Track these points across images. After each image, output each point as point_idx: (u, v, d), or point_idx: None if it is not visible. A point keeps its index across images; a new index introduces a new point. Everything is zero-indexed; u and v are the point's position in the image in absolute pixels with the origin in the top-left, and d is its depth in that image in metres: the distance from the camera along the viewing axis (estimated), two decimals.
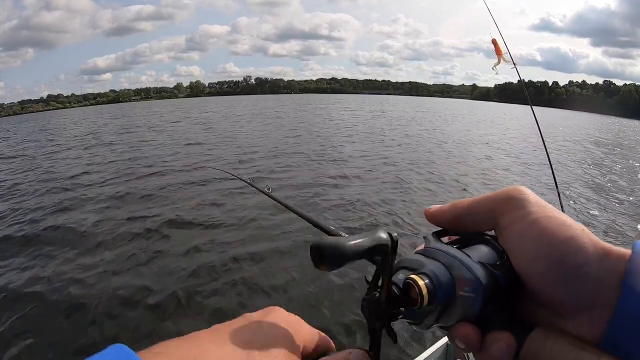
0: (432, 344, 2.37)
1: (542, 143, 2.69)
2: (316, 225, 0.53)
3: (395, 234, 0.33)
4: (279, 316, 0.34)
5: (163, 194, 8.26)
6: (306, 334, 0.35)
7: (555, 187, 2.62)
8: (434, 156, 13.45)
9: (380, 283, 0.34)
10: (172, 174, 10.09)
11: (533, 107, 2.68)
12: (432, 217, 0.39)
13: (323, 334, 0.37)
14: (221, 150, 14.37)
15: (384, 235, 0.32)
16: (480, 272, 0.31)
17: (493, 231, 0.35)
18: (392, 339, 0.34)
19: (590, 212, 8.13)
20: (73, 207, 7.67)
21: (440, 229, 0.38)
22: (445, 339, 2.34)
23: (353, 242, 0.31)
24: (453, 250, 0.34)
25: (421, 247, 0.36)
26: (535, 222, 0.31)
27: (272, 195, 0.82)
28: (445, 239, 0.37)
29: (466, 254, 0.33)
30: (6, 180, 10.82)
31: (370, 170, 10.53)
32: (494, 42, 2.44)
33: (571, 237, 0.30)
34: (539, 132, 2.74)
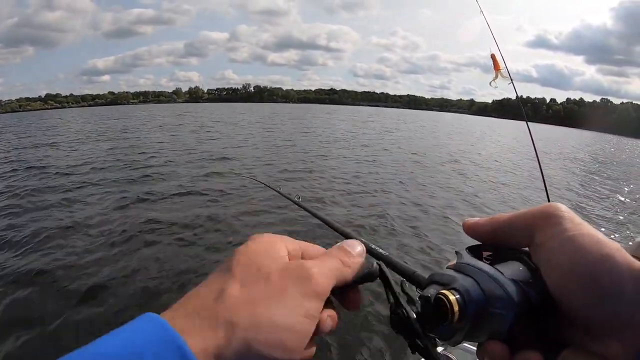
0: None
1: (536, 158, 2.75)
2: (347, 236, 0.52)
3: (381, 264, 0.38)
4: (257, 238, 0.37)
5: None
6: (288, 243, 0.38)
7: (547, 201, 2.67)
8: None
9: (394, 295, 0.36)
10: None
11: (529, 122, 2.74)
12: (469, 229, 0.39)
13: (312, 244, 0.40)
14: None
15: (373, 265, 0.36)
16: (512, 289, 0.31)
17: (527, 248, 0.35)
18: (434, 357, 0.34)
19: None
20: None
21: (473, 244, 0.38)
22: (439, 350, 2.33)
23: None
24: (485, 266, 0.33)
25: (453, 262, 0.36)
26: (570, 239, 0.31)
27: (303, 205, 0.82)
28: (478, 255, 0.37)
29: (499, 270, 0.33)
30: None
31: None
32: (492, 57, 2.50)
33: (606, 256, 0.29)
34: (534, 148, 2.80)
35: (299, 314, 0.31)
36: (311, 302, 0.32)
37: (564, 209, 0.34)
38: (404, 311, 0.34)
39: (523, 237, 0.35)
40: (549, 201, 2.40)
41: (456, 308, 0.31)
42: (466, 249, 0.37)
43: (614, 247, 0.30)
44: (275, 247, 0.36)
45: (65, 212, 7.31)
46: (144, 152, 14.81)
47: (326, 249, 0.39)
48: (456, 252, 0.37)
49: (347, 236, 0.51)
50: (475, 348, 0.34)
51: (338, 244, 0.39)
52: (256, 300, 0.30)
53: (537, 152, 2.75)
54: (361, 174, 11.52)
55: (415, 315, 0.34)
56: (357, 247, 0.39)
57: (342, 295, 0.38)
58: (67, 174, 10.78)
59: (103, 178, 10.14)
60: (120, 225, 6.41)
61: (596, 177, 16.37)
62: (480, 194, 10.06)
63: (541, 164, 2.73)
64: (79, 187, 9.24)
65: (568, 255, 0.31)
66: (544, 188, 2.73)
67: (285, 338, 0.29)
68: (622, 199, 12.04)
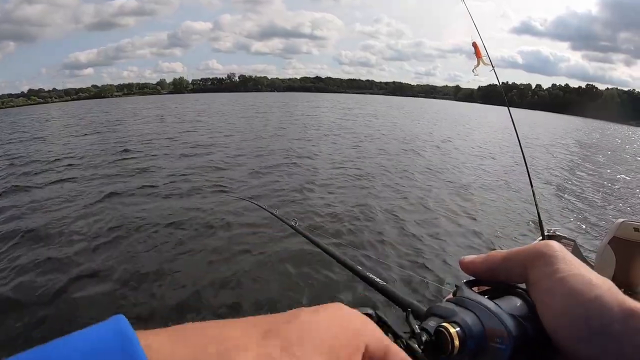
0: None
1: (518, 143, 2.83)
2: (349, 268, 0.49)
3: (377, 312, 0.32)
4: (338, 312, 0.28)
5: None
6: (372, 335, 0.28)
7: (530, 185, 2.76)
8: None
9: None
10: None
11: (513, 108, 2.81)
12: (466, 267, 0.40)
13: (399, 350, 0.30)
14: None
15: (369, 311, 0.32)
16: (511, 323, 0.32)
17: (524, 284, 0.36)
18: None
19: (564, 208, 8.50)
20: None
21: (471, 279, 0.39)
22: None
23: None
24: (485, 300, 0.34)
25: (450, 296, 0.37)
26: (562, 280, 0.32)
27: (301, 231, 0.76)
28: (476, 289, 0.37)
29: (498, 305, 0.33)
30: None
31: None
32: (474, 45, 2.54)
33: (597, 297, 0.30)
34: (516, 133, 2.88)
35: None
36: None
37: (557, 248, 0.35)
38: (405, 342, 0.32)
39: (518, 275, 0.36)
40: (531, 184, 2.50)
41: (457, 341, 0.31)
42: (465, 282, 0.38)
43: (605, 287, 0.31)
44: (350, 337, 0.26)
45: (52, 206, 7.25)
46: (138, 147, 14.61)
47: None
48: (456, 286, 0.37)
49: (344, 265, 0.48)
50: None
51: None
52: None
53: (519, 137, 2.83)
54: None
55: (418, 347, 0.33)
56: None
57: None
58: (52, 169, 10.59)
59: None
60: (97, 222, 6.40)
61: (580, 161, 16.78)
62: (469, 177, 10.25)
63: (523, 149, 2.82)
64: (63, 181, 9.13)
65: (561, 295, 0.32)
66: (526, 172, 2.82)
67: None
68: (603, 182, 12.38)
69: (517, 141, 2.87)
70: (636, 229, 2.94)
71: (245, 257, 5.03)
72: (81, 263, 4.95)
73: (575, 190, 10.57)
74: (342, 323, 0.27)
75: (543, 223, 2.95)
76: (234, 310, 3.91)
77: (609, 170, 14.86)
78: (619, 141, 34.41)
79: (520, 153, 2.82)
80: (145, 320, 3.75)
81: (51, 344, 0.20)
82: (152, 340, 0.20)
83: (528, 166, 2.79)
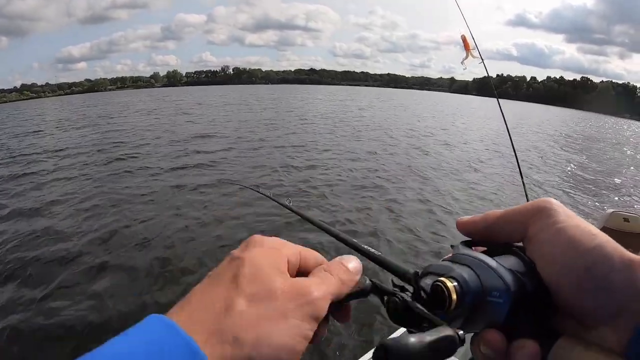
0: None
1: (508, 134, 2.87)
2: (342, 240, 0.50)
3: (462, 332, 0.29)
4: (258, 242, 0.37)
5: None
6: (289, 251, 0.37)
7: (520, 174, 2.81)
8: None
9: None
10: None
11: (508, 100, 2.84)
12: (463, 227, 0.40)
13: (309, 249, 0.39)
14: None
15: (449, 332, 0.29)
16: (509, 278, 0.32)
17: (521, 243, 0.36)
18: None
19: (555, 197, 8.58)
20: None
21: (467, 240, 0.39)
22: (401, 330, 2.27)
23: (419, 342, 0.27)
24: (482, 256, 0.34)
25: (449, 255, 0.37)
26: (562, 230, 0.32)
27: (295, 209, 0.77)
28: (472, 249, 0.37)
29: (495, 260, 0.33)
30: None
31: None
32: (463, 38, 2.56)
33: (597, 246, 0.30)
34: (505, 124, 2.92)
35: (297, 334, 0.32)
36: (310, 324, 0.33)
37: (555, 203, 0.35)
38: (400, 297, 0.34)
39: (516, 231, 0.36)
40: (519, 170, 2.55)
41: (454, 295, 0.31)
42: (461, 242, 0.38)
43: (605, 238, 0.31)
44: (279, 258, 0.35)
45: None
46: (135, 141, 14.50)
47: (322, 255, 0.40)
48: (451, 246, 0.38)
49: (345, 242, 0.49)
50: None
51: (336, 258, 0.39)
52: (261, 319, 0.30)
53: (509, 127, 2.87)
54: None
55: (412, 299, 0.34)
56: (355, 264, 0.39)
57: (334, 309, 0.37)
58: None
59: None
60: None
61: (571, 153, 16.92)
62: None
63: (512, 139, 2.85)
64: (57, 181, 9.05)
65: (561, 246, 0.32)
66: (516, 162, 2.87)
67: (283, 357, 0.30)
68: (590, 174, 12.52)
69: (508, 134, 2.91)
70: (626, 219, 2.97)
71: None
72: (88, 253, 5.09)
73: (567, 181, 10.77)
74: (271, 257, 0.35)
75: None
76: None
77: (599, 162, 15.07)
78: (611, 134, 34.69)
79: (511, 145, 2.87)
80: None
81: (104, 348, 0.26)
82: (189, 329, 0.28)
83: (518, 157, 2.83)
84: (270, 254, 0.35)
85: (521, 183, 2.77)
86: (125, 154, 11.60)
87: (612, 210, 3.11)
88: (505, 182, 9.43)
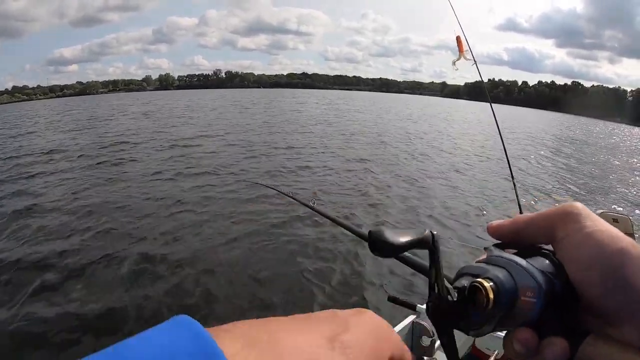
0: (398, 322, 2.29)
1: (500, 138, 2.88)
2: (360, 235, 0.49)
3: (435, 232, 0.34)
4: (368, 318, 0.31)
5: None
6: (394, 342, 0.32)
7: (511, 177, 2.82)
8: None
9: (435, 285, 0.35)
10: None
11: (500, 105, 2.85)
12: (494, 231, 0.41)
13: (405, 346, 0.34)
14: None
15: (425, 231, 0.34)
16: (541, 278, 0.33)
17: (550, 246, 0.38)
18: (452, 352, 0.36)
19: (544, 200, 8.82)
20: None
21: (498, 242, 0.40)
22: (411, 318, 2.29)
23: (402, 236, 0.33)
24: (515, 257, 0.35)
25: (483, 257, 0.38)
26: (590, 235, 0.34)
27: (319, 210, 0.75)
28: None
29: (527, 261, 0.35)
30: None
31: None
32: (457, 39, 2.56)
33: (622, 249, 0.32)
34: (498, 128, 2.93)
35: None
36: None
37: (582, 207, 0.36)
38: (450, 296, 0.34)
39: (545, 235, 0.38)
40: (512, 175, 2.55)
41: (491, 295, 0.32)
42: (494, 245, 0.39)
43: (629, 241, 0.33)
44: (376, 337, 0.30)
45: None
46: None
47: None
48: (485, 248, 0.38)
49: (359, 236, 0.47)
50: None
51: None
52: None
53: (501, 131, 2.88)
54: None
55: (451, 302, 0.34)
56: None
57: None
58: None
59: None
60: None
61: (561, 155, 17.15)
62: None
63: (504, 143, 2.86)
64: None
65: (588, 249, 0.34)
66: (508, 166, 2.87)
67: None
68: (584, 175, 12.70)
69: (500, 138, 2.92)
70: (615, 220, 2.99)
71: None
72: (99, 247, 5.22)
73: (556, 183, 10.95)
74: (376, 330, 0.30)
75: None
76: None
77: (589, 164, 15.30)
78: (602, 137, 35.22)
79: (502, 148, 2.88)
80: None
81: (123, 345, 0.19)
82: (228, 346, 0.21)
83: (509, 160, 2.84)
84: (375, 335, 0.30)
85: (512, 185, 2.78)
86: (117, 159, 11.59)
87: (600, 211, 3.13)
88: (496, 187, 9.51)
